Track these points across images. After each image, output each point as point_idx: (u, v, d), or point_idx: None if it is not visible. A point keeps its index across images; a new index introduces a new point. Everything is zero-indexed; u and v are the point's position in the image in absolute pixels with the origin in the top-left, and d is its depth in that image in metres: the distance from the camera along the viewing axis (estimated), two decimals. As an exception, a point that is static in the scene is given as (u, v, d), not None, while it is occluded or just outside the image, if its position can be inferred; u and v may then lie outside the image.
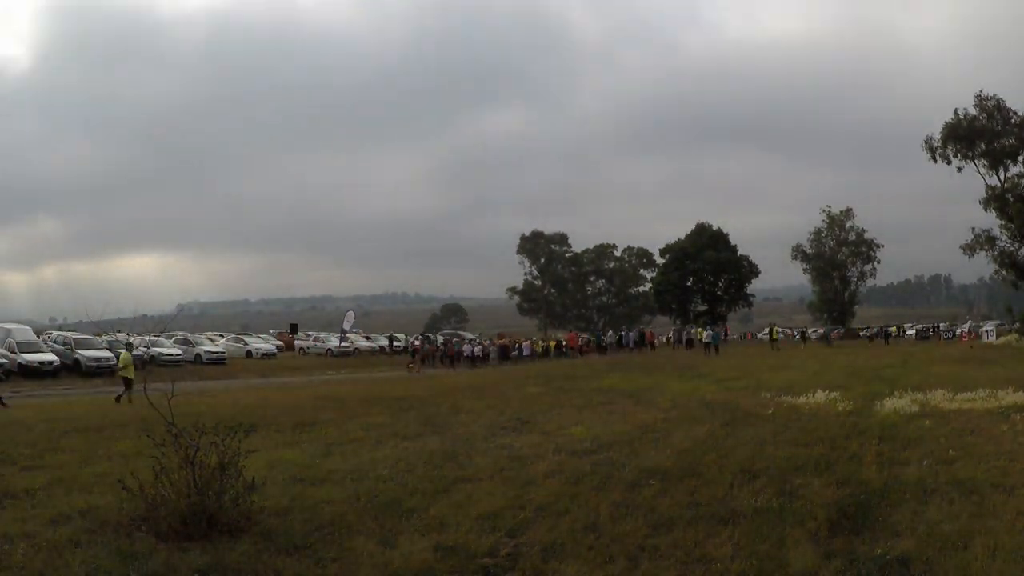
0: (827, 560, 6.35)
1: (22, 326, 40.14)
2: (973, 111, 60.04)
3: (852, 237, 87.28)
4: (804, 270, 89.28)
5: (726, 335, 66.29)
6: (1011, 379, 20.54)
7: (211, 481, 7.21)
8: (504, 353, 51.50)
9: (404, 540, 6.95)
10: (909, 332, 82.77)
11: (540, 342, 58.70)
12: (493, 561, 6.47)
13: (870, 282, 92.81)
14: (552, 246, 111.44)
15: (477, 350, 51.36)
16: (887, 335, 71.96)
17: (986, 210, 59.80)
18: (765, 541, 6.85)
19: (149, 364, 36.25)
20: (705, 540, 6.97)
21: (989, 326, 64.67)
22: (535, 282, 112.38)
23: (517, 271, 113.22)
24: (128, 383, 21.98)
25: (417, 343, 58.08)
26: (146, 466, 7.59)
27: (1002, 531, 6.93)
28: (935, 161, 61.66)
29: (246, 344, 54.58)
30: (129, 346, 25.56)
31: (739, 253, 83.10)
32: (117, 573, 6.06)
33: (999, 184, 59.79)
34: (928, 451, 11.09)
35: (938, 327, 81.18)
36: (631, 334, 63.16)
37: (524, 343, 55.81)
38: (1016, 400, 16.30)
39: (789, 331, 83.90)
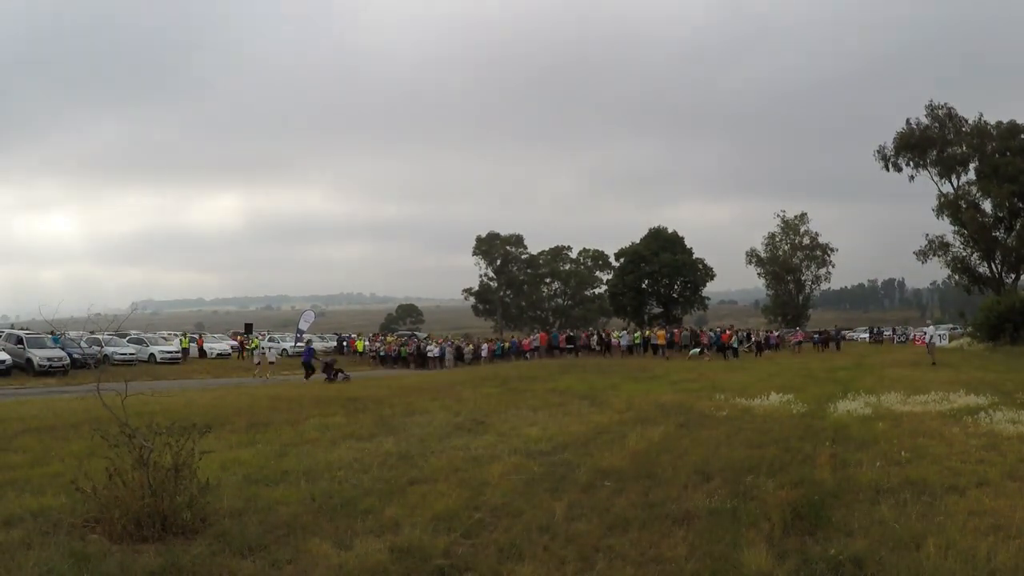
0: (781, 561, 6.46)
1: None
2: (925, 120, 61.12)
3: (806, 241, 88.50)
4: (759, 274, 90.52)
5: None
6: (962, 382, 20.99)
7: (165, 482, 7.18)
8: (460, 354, 51.41)
9: (359, 541, 6.97)
10: (862, 336, 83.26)
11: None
12: (448, 562, 6.50)
13: (824, 286, 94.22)
14: (508, 247, 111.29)
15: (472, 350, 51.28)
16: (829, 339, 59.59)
17: (939, 217, 60.97)
18: (719, 542, 6.96)
19: (103, 363, 35.70)
20: (660, 541, 7.07)
21: (943, 330, 65.33)
22: (491, 283, 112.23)
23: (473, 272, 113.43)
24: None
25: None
26: (100, 467, 7.54)
27: (954, 531, 7.11)
28: (888, 170, 62.66)
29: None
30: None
31: (694, 256, 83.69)
32: (70, 575, 6.01)
33: (952, 191, 60.92)
34: (881, 452, 11.32)
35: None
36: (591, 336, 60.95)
37: (484, 344, 55.77)
38: (967, 403, 16.69)
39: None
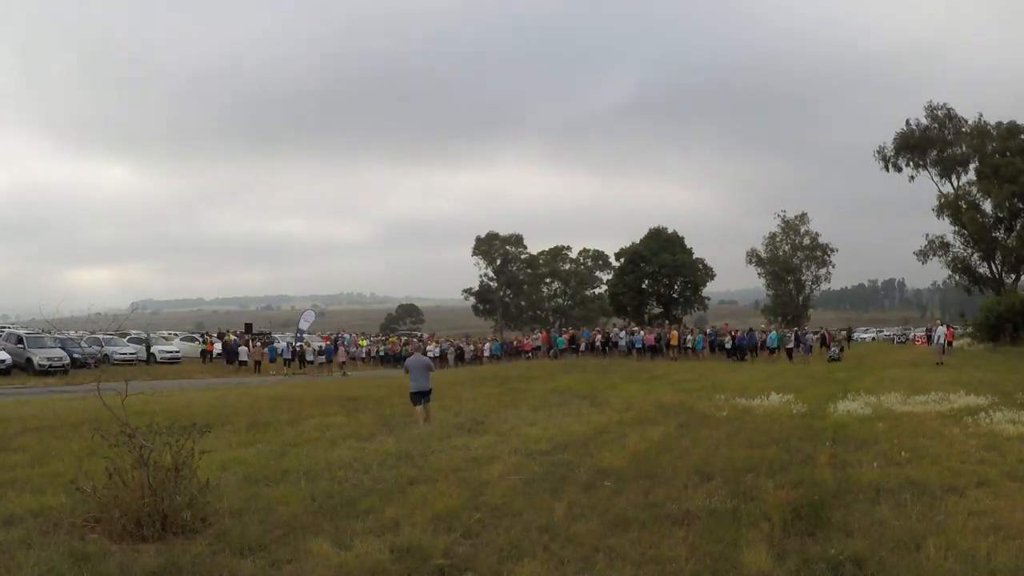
0: (781, 561, 6.47)
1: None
2: (925, 120, 61.06)
3: (807, 241, 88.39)
4: (759, 274, 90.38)
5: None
6: (962, 382, 20.97)
7: (165, 482, 7.19)
8: (460, 354, 51.37)
9: (359, 541, 6.97)
10: (864, 336, 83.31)
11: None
12: (448, 562, 6.50)
13: (824, 286, 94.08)
14: (508, 247, 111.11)
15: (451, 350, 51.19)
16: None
17: (939, 217, 60.77)
18: (719, 542, 6.96)
19: (103, 363, 35.72)
20: (660, 541, 7.07)
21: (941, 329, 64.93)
22: (490, 283, 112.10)
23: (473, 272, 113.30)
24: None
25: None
26: (100, 467, 7.55)
27: (954, 531, 7.11)
28: (887, 171, 62.55)
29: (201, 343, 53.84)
30: None
31: (694, 256, 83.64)
32: (70, 575, 6.01)
33: (952, 191, 60.84)
34: (881, 453, 11.33)
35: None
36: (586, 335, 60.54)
37: (485, 344, 55.71)
38: (967, 403, 16.66)
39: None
